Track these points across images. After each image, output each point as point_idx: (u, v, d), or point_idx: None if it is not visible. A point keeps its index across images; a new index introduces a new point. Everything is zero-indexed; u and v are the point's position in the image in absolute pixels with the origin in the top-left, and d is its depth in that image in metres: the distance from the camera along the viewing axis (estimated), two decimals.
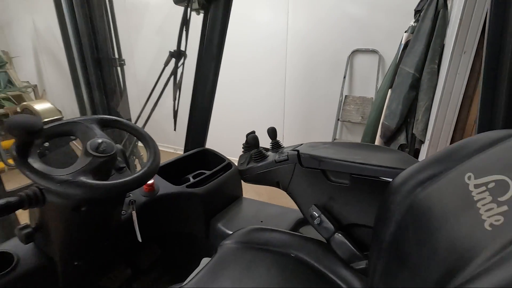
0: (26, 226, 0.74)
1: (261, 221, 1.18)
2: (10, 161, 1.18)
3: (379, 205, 0.68)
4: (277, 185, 0.97)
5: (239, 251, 0.82)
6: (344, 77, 2.76)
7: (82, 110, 1.31)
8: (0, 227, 1.03)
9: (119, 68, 1.31)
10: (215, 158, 1.38)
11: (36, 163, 0.61)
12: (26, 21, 4.27)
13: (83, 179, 0.61)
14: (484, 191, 0.37)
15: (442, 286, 0.31)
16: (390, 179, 0.68)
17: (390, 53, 2.49)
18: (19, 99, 3.55)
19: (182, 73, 1.24)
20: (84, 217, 0.75)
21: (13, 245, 0.79)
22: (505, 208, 0.32)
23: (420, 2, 1.76)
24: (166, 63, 1.21)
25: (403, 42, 1.80)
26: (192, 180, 1.22)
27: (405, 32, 1.83)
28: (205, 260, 0.86)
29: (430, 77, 1.59)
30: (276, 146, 1.07)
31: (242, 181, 1.32)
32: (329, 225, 0.81)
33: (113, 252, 1.04)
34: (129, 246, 1.12)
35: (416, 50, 1.66)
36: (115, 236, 0.98)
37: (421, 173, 0.59)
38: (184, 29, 1.16)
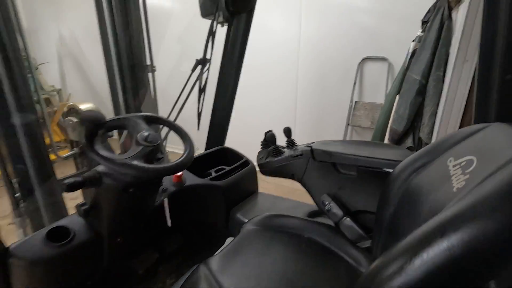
0: (84, 204, 0.89)
1: None
2: (61, 153, 1.35)
3: (381, 192, 0.80)
4: (292, 177, 1.09)
5: (259, 232, 0.94)
6: (354, 83, 2.87)
7: (117, 111, 1.47)
8: (51, 209, 1.19)
9: (150, 74, 1.47)
10: (233, 155, 1.52)
11: (100, 150, 0.76)
12: (51, 29, 4.55)
13: (137, 163, 0.76)
14: (458, 168, 0.49)
15: None
16: (391, 170, 0.80)
17: (399, 61, 2.59)
18: (46, 102, 3.80)
19: (207, 78, 1.39)
20: (130, 198, 0.89)
21: (69, 221, 0.94)
22: (468, 176, 0.44)
23: (426, 13, 1.87)
24: (193, 69, 1.36)
25: (410, 50, 1.91)
26: (214, 174, 1.36)
27: (413, 41, 1.94)
28: (229, 239, 0.98)
29: (435, 84, 1.69)
30: (291, 143, 1.20)
31: (257, 178, 1.45)
32: (338, 210, 0.92)
33: (146, 235, 1.18)
34: (158, 231, 1.26)
35: (423, 58, 1.76)
36: (148, 220, 1.12)
37: (416, 162, 0.71)
38: (210, 39, 1.31)
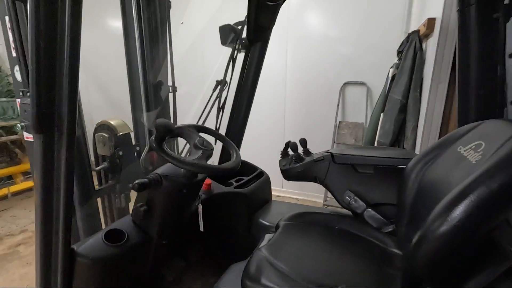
0: (142, 205, 0.98)
1: None
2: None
3: (399, 185, 0.98)
4: (314, 180, 1.25)
5: (295, 226, 1.08)
6: (338, 105, 3.18)
7: (136, 127, 1.57)
8: (87, 220, 1.22)
9: (171, 94, 1.60)
10: (249, 167, 1.66)
11: (168, 151, 0.87)
12: None
13: (203, 163, 0.88)
14: (470, 150, 0.68)
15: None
16: (404, 166, 0.99)
17: (376, 85, 2.96)
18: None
19: (226, 97, 1.55)
20: (181, 198, 0.99)
21: (121, 224, 1.01)
22: (481, 153, 0.63)
23: (401, 45, 2.22)
24: (214, 89, 1.52)
25: (390, 75, 2.23)
26: (235, 184, 1.48)
27: (391, 68, 2.27)
28: (268, 235, 1.09)
29: (414, 103, 1.99)
30: (307, 152, 1.37)
31: (271, 187, 1.59)
32: (361, 203, 1.09)
33: (182, 239, 1.25)
34: (188, 238, 1.33)
35: (402, 82, 2.07)
36: (185, 224, 1.20)
37: (427, 156, 0.91)
38: (231, 64, 1.49)
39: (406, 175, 0.95)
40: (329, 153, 1.20)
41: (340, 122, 3.25)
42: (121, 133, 1.34)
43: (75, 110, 0.67)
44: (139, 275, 1.04)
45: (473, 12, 1.07)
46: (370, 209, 1.07)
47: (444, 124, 1.74)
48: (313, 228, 1.06)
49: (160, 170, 0.96)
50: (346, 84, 3.14)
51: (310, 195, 3.48)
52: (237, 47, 1.47)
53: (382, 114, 2.24)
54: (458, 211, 0.54)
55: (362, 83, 3.08)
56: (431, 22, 1.82)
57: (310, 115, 3.37)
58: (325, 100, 3.26)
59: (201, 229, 1.26)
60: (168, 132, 0.87)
